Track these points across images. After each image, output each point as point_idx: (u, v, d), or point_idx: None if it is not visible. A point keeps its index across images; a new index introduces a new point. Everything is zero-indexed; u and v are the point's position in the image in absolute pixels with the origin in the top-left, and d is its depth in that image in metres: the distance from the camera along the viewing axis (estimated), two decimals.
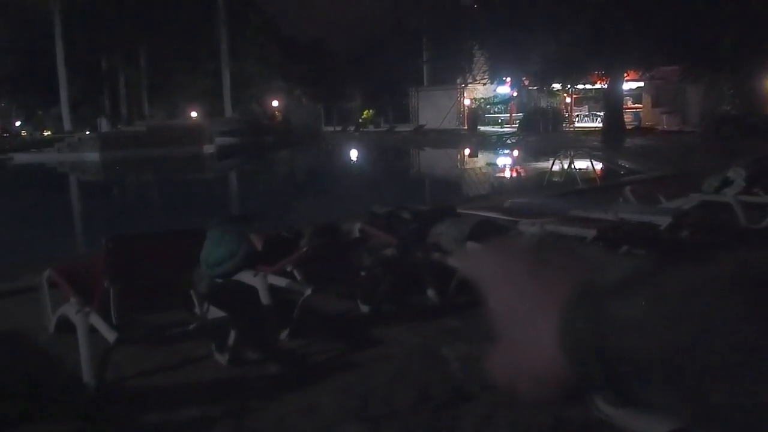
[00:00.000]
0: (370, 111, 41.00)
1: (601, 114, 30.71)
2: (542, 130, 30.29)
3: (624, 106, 29.96)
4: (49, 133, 38.75)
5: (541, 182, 13.88)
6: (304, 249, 4.44)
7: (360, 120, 40.46)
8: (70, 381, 3.55)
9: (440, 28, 28.90)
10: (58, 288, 4.19)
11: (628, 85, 30.63)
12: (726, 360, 0.32)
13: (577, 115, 36.62)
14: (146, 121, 37.07)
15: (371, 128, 38.58)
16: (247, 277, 4.29)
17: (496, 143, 29.39)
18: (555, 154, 14.89)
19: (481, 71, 31.98)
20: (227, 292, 4.34)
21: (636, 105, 33.98)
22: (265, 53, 40.32)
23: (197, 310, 3.71)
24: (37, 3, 36.73)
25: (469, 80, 34.95)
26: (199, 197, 16.43)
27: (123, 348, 3.50)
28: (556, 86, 31.68)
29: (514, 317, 0.43)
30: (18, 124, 43.59)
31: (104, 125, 35.53)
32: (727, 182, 7.45)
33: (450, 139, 31.72)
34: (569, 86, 32.59)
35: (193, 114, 39.24)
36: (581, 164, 15.06)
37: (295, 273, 4.56)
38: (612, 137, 23.86)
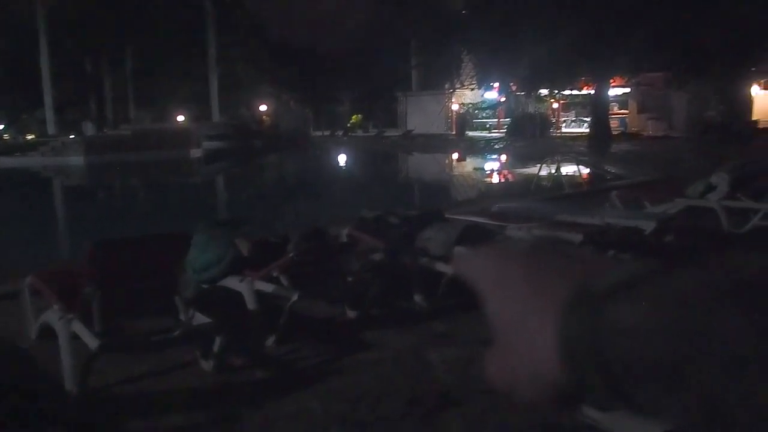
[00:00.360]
0: (359, 116, 41.00)
1: (588, 119, 30.90)
2: (530, 136, 30.42)
3: (610, 112, 30.13)
4: (33, 136, 38.31)
5: (529, 187, 13.93)
6: (291, 254, 4.41)
7: (349, 124, 40.45)
8: (53, 388, 3.50)
9: (429, 33, 28.98)
10: (40, 294, 4.13)
11: (614, 91, 30.84)
12: (725, 363, 0.32)
13: (564, 121, 36.85)
14: (132, 125, 36.80)
15: (360, 133, 38.60)
16: (233, 282, 4.26)
17: (484, 148, 29.50)
18: (542, 159, 14.97)
19: (469, 76, 32.10)
20: (213, 297, 4.30)
21: (622, 111, 34.23)
22: (254, 57, 40.21)
23: (182, 316, 3.67)
24: (22, 5, 36.46)
25: (458, 85, 35.07)
26: (185, 202, 16.31)
27: (106, 355, 3.46)
28: (544, 92, 31.84)
29: (511, 320, 0.41)
30: (1, 127, 43.17)
31: (89, 129, 35.29)
32: (711, 187, 7.51)
33: (438, 143, 31.78)
34: (556, 92, 32.78)
35: (181, 118, 39.05)
36: (568, 169, 15.14)
37: (282, 278, 4.54)
38: (598, 142, 23.99)
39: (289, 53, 38.50)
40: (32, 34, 36.84)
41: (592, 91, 27.99)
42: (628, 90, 32.44)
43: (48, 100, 38.17)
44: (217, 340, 3.62)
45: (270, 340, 4.18)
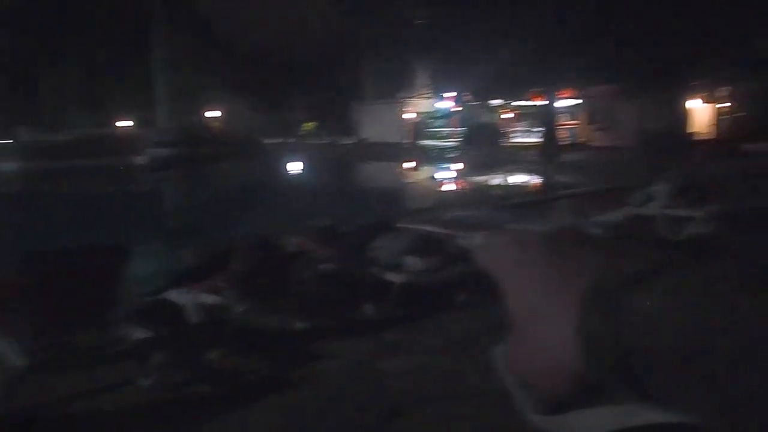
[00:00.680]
0: (313, 123, 40.76)
1: (540, 130, 31.41)
2: (483, 145, 30.74)
3: (561, 123, 30.68)
4: None
5: (481, 196, 14.05)
6: (238, 265, 4.32)
7: (302, 132, 40.18)
8: None
9: (385, 41, 29.13)
10: None
11: (565, 103, 31.45)
12: (738, 354, 0.32)
13: (517, 131, 37.35)
14: (71, 129, 35.30)
15: (314, 140, 38.37)
16: (175, 295, 4.13)
17: (437, 157, 29.67)
18: (495, 168, 15.13)
19: (424, 85, 32.31)
20: (154, 310, 4.16)
21: (572, 121, 34.88)
22: (205, 61, 39.38)
23: (121, 330, 3.54)
24: None
25: (413, 94, 35.27)
26: (126, 211, 15.67)
27: (38, 372, 3.30)
28: (497, 102, 32.24)
29: (531, 309, 0.41)
30: None
31: (24, 133, 33.74)
32: (652, 197, 7.70)
33: (392, 152, 31.83)
34: (509, 102, 33.24)
35: (124, 123, 37.90)
36: (519, 178, 15.34)
37: (228, 290, 4.42)
38: (549, 152, 24.42)
39: (241, 58, 37.97)
40: None
41: (544, 103, 28.53)
42: (578, 101, 33.12)
43: None
44: (157, 355, 3.50)
45: (214, 354, 4.06)
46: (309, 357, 4.20)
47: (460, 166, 26.53)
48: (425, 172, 26.39)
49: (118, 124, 38.08)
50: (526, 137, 35.54)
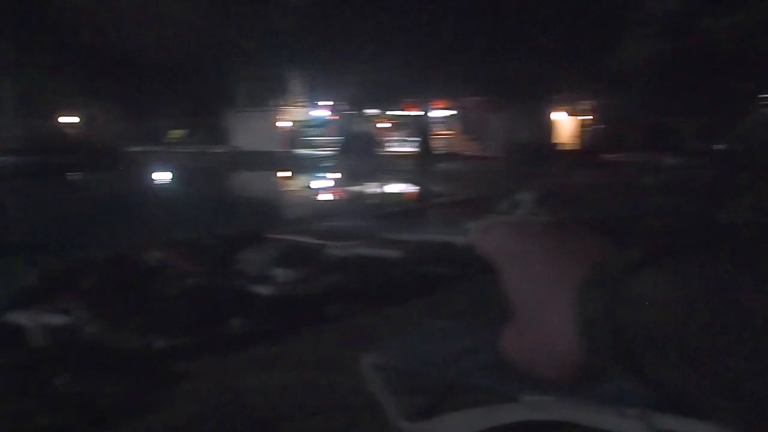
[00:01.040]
0: (181, 130, 39.38)
1: (415, 140, 32.14)
2: (358, 154, 31.04)
3: (435, 133, 31.59)
4: None
5: (355, 205, 14.13)
6: (89, 282, 4.05)
7: (170, 139, 38.72)
8: None
9: (258, 48, 28.72)
10: None
11: (439, 113, 32.39)
12: (742, 340, 0.31)
13: (393, 140, 38.02)
14: None
15: (182, 148, 37.05)
16: (17, 316, 3.81)
17: (312, 166, 29.60)
18: (370, 177, 15.27)
19: (299, 94, 32.18)
20: None
21: (446, 132, 35.99)
22: (60, 62, 36.76)
23: None
24: None
25: (286, 102, 35.02)
26: None
27: None
28: (373, 111, 32.68)
29: (531, 297, 0.41)
30: None
31: None
32: (518, 204, 8.06)
33: (266, 161, 31.40)
34: (385, 112, 33.81)
35: None
36: (394, 188, 15.58)
37: (78, 309, 4.14)
38: (424, 162, 25.04)
39: (102, 61, 35.89)
40: None
41: (418, 113, 29.23)
42: (451, 112, 34.22)
43: None
44: None
45: (62, 379, 3.78)
46: (171, 377, 4.01)
47: (336, 175, 26.62)
48: (299, 181, 26.23)
49: None
50: (402, 147, 36.32)
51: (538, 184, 8.52)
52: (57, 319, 3.86)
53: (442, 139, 34.67)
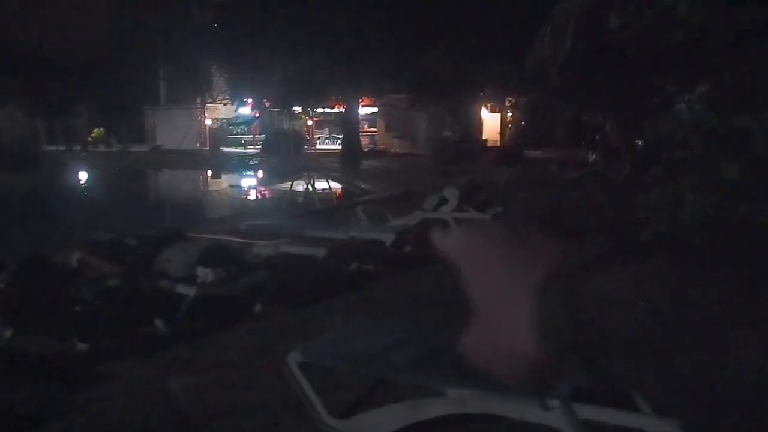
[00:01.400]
0: (101, 129, 37.94)
1: (340, 137, 32.10)
2: (284, 152, 30.75)
3: (361, 130, 31.62)
4: None
5: (281, 203, 14.03)
6: (1, 285, 3.89)
7: (89, 139, 37.27)
8: None
9: (177, 44, 27.99)
10: None
11: (364, 110, 32.44)
12: (696, 335, 0.33)
13: (318, 138, 37.85)
14: None
15: (102, 148, 35.73)
16: None
17: (237, 164, 29.15)
18: (295, 175, 15.18)
19: (222, 91, 31.57)
20: None
21: (372, 129, 36.11)
22: None
23: None
24: None
25: (209, 100, 34.30)
26: None
27: None
28: (298, 109, 32.42)
29: (490, 298, 0.42)
30: None
31: None
32: (443, 201, 8.19)
33: (190, 160, 30.70)
34: (309, 109, 33.58)
35: None
36: (320, 185, 15.54)
37: None
38: (349, 159, 25.03)
39: (12, 56, 34.18)
40: None
41: (343, 110, 29.16)
42: (376, 109, 34.32)
43: None
44: None
45: None
46: (91, 381, 3.91)
47: (260, 173, 26.32)
48: (224, 179, 25.80)
49: None
50: (327, 144, 36.24)
51: (462, 182, 8.68)
52: None
53: (368, 136, 34.79)
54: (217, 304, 4.93)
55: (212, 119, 37.36)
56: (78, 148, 34.88)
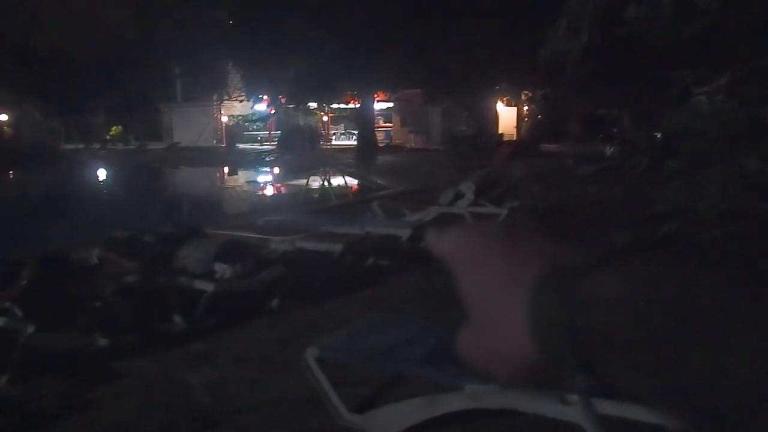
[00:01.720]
0: (119, 127, 38.24)
1: (356, 132, 32.11)
2: (300, 148, 30.81)
3: (376, 125, 31.58)
4: None
5: (297, 199, 14.07)
6: (25, 281, 3.94)
7: (108, 137, 37.60)
8: None
9: (194, 42, 28.14)
10: None
11: (379, 106, 32.39)
12: (696, 341, 0.33)
13: (334, 134, 37.90)
14: None
15: (120, 146, 36.05)
16: None
17: (254, 161, 29.24)
18: (311, 171, 15.20)
19: (237, 88, 31.70)
20: None
21: (387, 124, 36.06)
22: None
23: None
24: None
25: (225, 97, 34.45)
26: None
27: None
28: (313, 105, 32.45)
29: (486, 298, 0.42)
30: None
31: None
32: (459, 195, 8.15)
33: (206, 157, 30.88)
34: (325, 105, 33.61)
35: None
36: (336, 181, 15.55)
37: (15, 309, 4.02)
38: (365, 155, 25.00)
39: (31, 56, 34.50)
40: None
41: (358, 105, 29.14)
42: (391, 105, 34.27)
43: None
44: None
45: (1, 381, 3.68)
46: (112, 376, 3.96)
47: (276, 169, 26.40)
48: (240, 176, 25.93)
49: None
50: (343, 140, 36.26)
51: (478, 176, 8.63)
52: None
53: (384, 131, 34.75)
54: (234, 300, 4.96)
55: (228, 116, 37.53)
56: (96, 146, 35.20)
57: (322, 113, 36.18)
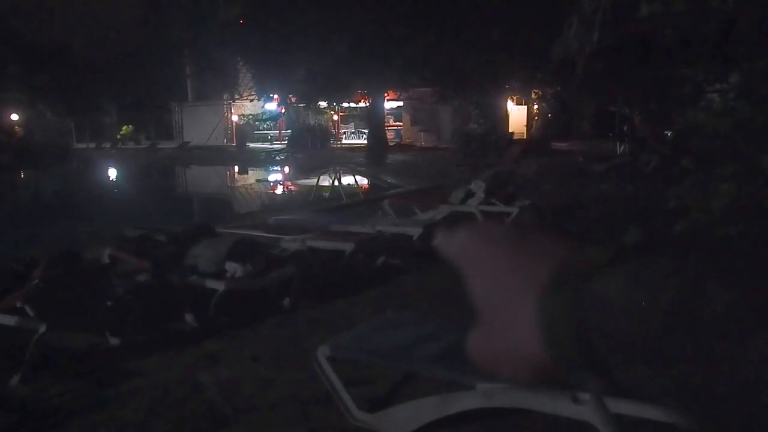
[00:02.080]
0: (130, 126, 38.43)
1: (366, 131, 32.09)
2: (310, 147, 30.86)
3: (386, 124, 31.55)
4: None
5: (308, 198, 14.07)
6: (35, 281, 3.96)
7: (119, 136, 37.80)
8: None
9: (204, 41, 28.18)
10: None
11: (389, 104, 32.36)
12: (703, 342, 0.32)
13: (344, 132, 37.92)
14: None
15: (131, 145, 36.24)
16: None
17: (264, 160, 29.30)
18: (322, 170, 15.21)
19: (248, 87, 31.75)
20: None
21: (397, 123, 36.02)
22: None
23: None
24: None
25: (236, 96, 34.51)
26: None
27: None
28: (323, 104, 32.46)
29: (496, 299, 0.42)
30: None
31: None
32: (470, 194, 8.13)
33: (217, 156, 30.98)
34: (335, 104, 33.62)
35: None
36: (347, 180, 15.55)
37: (27, 308, 4.05)
38: (375, 153, 24.99)
39: (43, 56, 34.70)
40: None
41: (368, 104, 29.12)
42: (401, 103, 34.23)
43: None
44: None
45: (14, 380, 3.71)
46: (124, 375, 3.97)
47: (287, 168, 26.44)
48: (251, 175, 25.99)
49: None
50: (353, 139, 36.28)
51: (489, 175, 8.60)
52: (5, 320, 3.78)
53: (394, 130, 34.71)
54: (246, 299, 4.97)
55: (239, 115, 37.62)
56: (107, 145, 35.39)
57: (332, 112, 36.21)
